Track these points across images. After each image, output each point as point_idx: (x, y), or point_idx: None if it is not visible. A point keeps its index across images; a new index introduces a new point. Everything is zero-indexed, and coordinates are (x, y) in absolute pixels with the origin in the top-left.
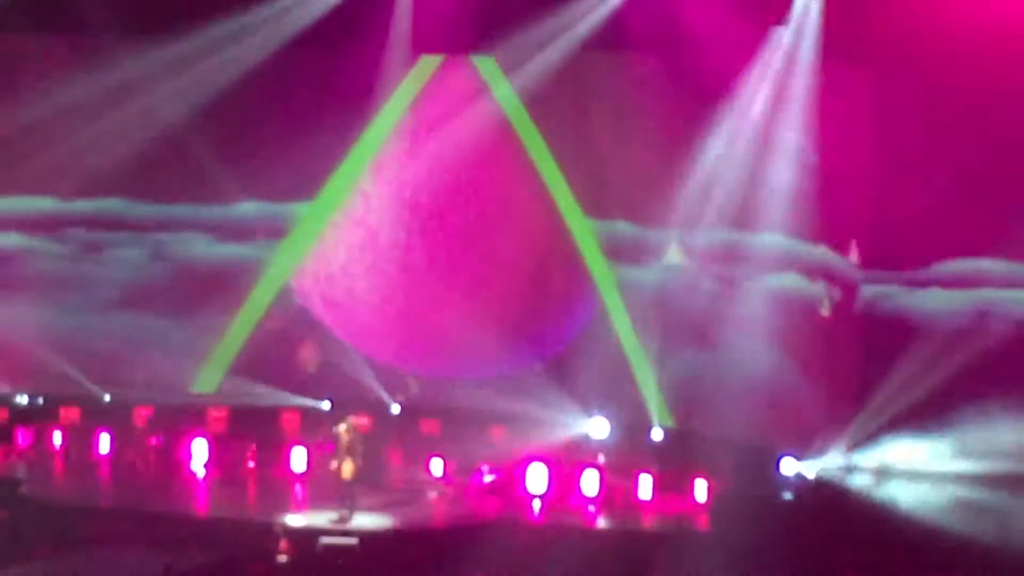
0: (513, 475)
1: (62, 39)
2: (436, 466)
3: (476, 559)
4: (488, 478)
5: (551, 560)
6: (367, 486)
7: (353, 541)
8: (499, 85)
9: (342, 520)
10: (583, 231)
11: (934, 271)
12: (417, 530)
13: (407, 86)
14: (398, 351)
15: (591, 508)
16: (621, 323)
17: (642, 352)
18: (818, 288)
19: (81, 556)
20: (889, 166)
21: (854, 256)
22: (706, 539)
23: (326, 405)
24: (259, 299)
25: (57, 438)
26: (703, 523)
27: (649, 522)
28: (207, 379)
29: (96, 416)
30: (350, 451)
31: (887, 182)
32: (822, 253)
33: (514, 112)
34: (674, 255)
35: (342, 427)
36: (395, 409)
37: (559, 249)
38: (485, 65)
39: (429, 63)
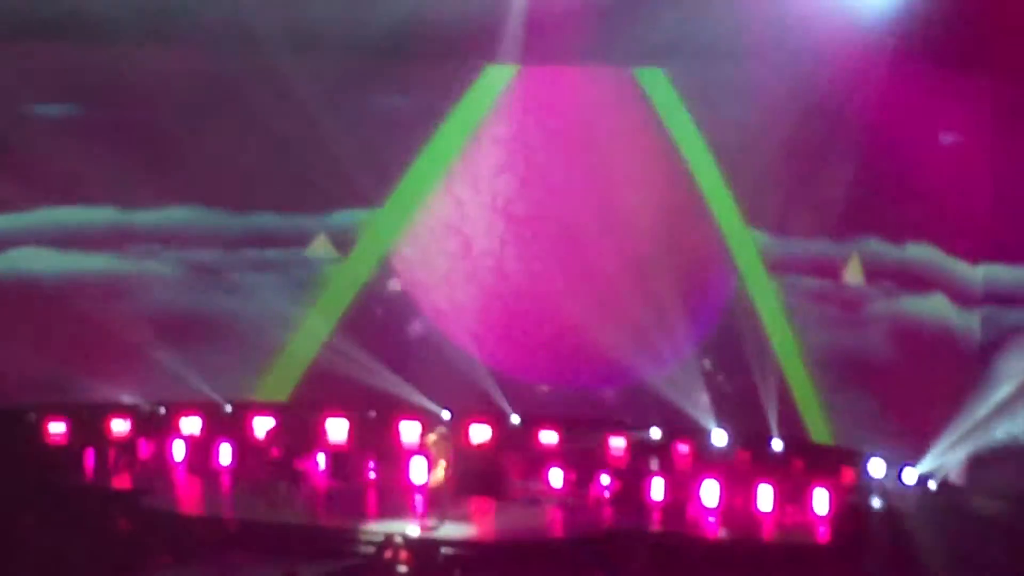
0: (632, 485)
1: None
2: (555, 476)
3: (595, 569)
4: (607, 488)
5: (670, 571)
6: (490, 497)
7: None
8: (665, 96)
9: (429, 529)
10: (741, 240)
11: None
12: (536, 541)
13: (477, 96)
14: (519, 360)
15: (711, 519)
16: (777, 335)
17: (799, 366)
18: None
19: (201, 566)
20: None
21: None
22: (827, 551)
23: (446, 414)
24: (330, 309)
25: (178, 449)
26: (824, 535)
27: (769, 533)
28: (274, 387)
29: (217, 426)
30: (441, 460)
31: None
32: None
33: (676, 121)
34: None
35: (432, 436)
36: (515, 419)
37: (689, 257)
38: (649, 76)
39: (500, 73)
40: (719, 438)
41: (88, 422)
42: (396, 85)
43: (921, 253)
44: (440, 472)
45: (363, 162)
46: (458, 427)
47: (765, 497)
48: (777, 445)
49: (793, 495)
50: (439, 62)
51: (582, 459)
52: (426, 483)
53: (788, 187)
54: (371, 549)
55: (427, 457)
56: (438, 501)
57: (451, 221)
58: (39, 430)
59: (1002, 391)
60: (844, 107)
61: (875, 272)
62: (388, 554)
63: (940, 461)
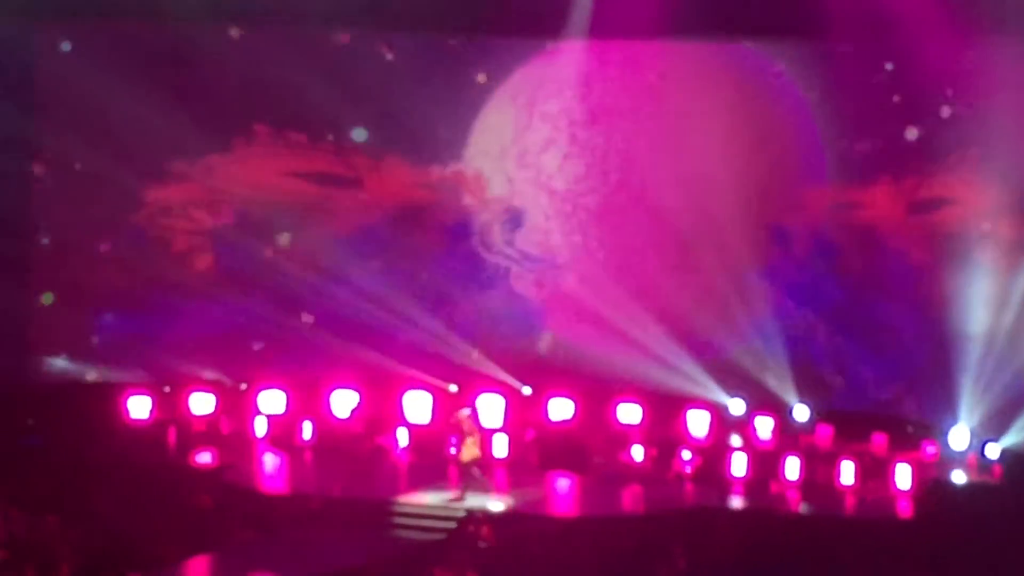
0: (714, 460)
1: None
2: (637, 451)
3: (678, 545)
4: (689, 463)
5: (752, 546)
6: (571, 472)
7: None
8: None
9: (457, 501)
10: None
11: None
12: (617, 516)
13: None
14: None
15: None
16: None
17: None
18: None
19: (282, 541)
20: None
21: None
22: (909, 526)
23: (527, 390)
24: None
25: (260, 425)
26: (906, 510)
27: (851, 508)
28: None
29: (299, 403)
30: (471, 435)
31: None
32: None
33: None
34: None
35: (464, 412)
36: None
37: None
38: None
39: None
40: (801, 412)
41: (170, 398)
42: None
43: None
44: (472, 447)
45: None
46: (537, 402)
47: (847, 472)
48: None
49: (876, 470)
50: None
51: (664, 434)
52: (459, 458)
53: None
54: (452, 524)
55: (458, 434)
56: (469, 474)
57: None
58: (121, 406)
59: None
60: None
61: None
62: (469, 529)
63: None
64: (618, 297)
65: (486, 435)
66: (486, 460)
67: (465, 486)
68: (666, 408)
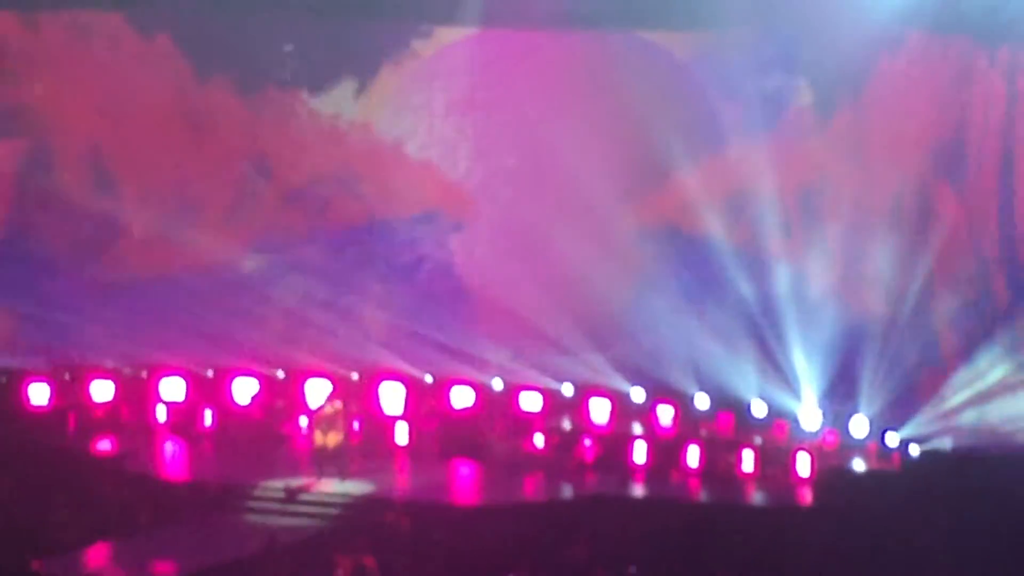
0: (615, 448)
1: None
2: (538, 439)
3: (577, 532)
4: (590, 451)
5: (653, 533)
6: (473, 460)
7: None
8: None
9: (308, 487)
10: None
11: None
12: (519, 504)
13: None
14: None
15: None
16: None
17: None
18: None
19: (184, 528)
20: None
21: None
22: (808, 512)
23: (429, 378)
24: None
25: (161, 412)
26: (806, 497)
27: (751, 495)
28: None
29: (199, 391)
30: (332, 423)
31: None
32: None
33: None
34: None
35: (328, 408)
36: (497, 385)
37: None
38: None
39: None
40: (702, 400)
41: (70, 385)
42: None
43: None
44: (332, 434)
45: None
46: (439, 390)
47: (747, 460)
48: (759, 408)
49: (776, 458)
50: None
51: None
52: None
53: None
54: (355, 512)
55: (322, 423)
56: (332, 461)
57: None
58: (21, 392)
59: None
60: None
61: None
62: (372, 516)
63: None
64: (472, 288)
65: (347, 420)
66: (350, 446)
67: (319, 471)
68: (569, 397)
